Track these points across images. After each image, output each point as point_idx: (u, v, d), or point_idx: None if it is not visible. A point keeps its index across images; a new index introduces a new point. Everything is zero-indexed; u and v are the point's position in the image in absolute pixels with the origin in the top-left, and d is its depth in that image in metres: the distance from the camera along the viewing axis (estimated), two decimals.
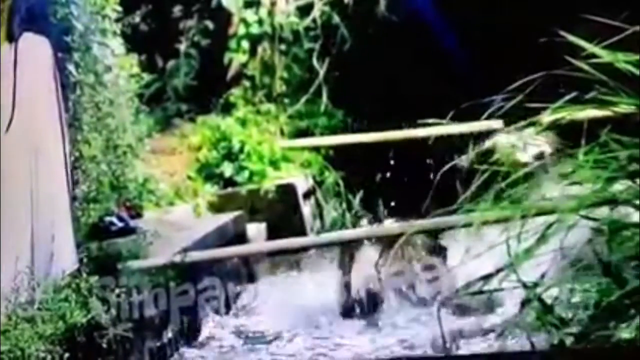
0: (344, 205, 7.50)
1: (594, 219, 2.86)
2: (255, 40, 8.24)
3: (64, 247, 4.43)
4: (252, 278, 6.29)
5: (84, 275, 4.35)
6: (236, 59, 8.25)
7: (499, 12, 7.18)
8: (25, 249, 4.35)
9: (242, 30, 8.23)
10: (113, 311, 4.33)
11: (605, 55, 2.77)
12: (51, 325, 3.98)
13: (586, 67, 2.85)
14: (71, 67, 5.42)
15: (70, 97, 5.21)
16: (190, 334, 5.14)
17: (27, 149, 4.42)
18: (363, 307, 5.46)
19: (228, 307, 5.67)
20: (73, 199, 4.57)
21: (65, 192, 4.48)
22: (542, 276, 2.94)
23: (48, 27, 4.71)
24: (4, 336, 3.90)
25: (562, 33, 2.85)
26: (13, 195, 4.41)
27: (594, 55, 2.84)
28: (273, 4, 8.18)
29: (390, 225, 5.43)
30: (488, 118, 3.29)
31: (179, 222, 6.11)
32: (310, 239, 6.64)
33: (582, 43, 2.83)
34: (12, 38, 4.50)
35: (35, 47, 4.53)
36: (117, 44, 6.57)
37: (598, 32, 2.91)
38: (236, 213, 6.61)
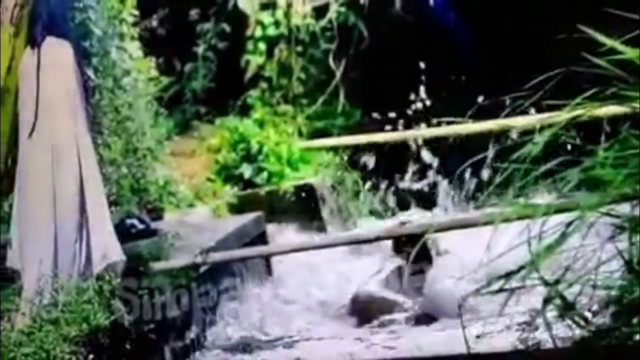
0: (365, 204, 7.52)
1: (616, 216, 2.86)
2: (272, 42, 8.26)
3: (107, 239, 4.47)
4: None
5: (107, 277, 4.38)
6: (253, 61, 8.28)
7: (515, 10, 7.16)
8: (49, 251, 4.39)
9: (258, 32, 8.26)
10: (136, 313, 4.37)
11: (628, 52, 2.76)
12: (75, 327, 4.02)
13: (605, 64, 2.84)
14: (90, 72, 5.46)
15: (89, 101, 5.26)
16: None
17: (50, 152, 4.47)
18: None
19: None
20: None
21: (100, 186, 4.53)
22: (564, 273, 2.93)
23: (69, 31, 4.76)
24: (29, 338, 3.95)
25: (583, 28, 2.83)
26: (36, 198, 4.46)
27: (612, 51, 2.84)
28: (289, 6, 8.20)
29: (410, 224, 5.42)
30: (507, 116, 3.29)
31: (199, 224, 6.14)
32: (330, 237, 6.66)
33: (602, 38, 2.82)
34: (34, 43, 4.56)
35: (58, 51, 4.57)
36: (134, 48, 6.61)
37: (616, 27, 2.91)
38: (256, 214, 6.63)
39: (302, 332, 5.23)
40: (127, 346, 4.24)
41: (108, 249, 4.44)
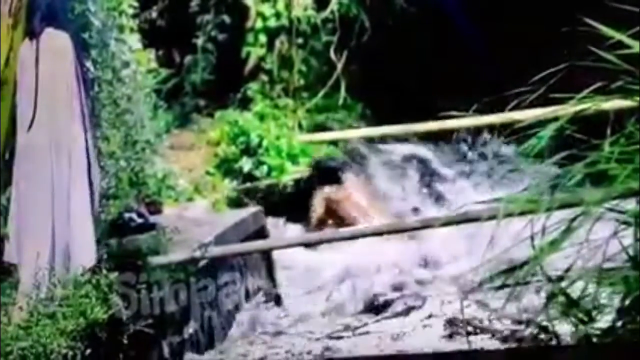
0: None
1: (620, 212, 2.82)
2: (272, 34, 8.22)
3: (83, 243, 4.43)
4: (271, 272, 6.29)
5: (104, 271, 4.34)
6: (254, 53, 8.24)
7: (520, 2, 7.11)
8: (46, 245, 4.36)
9: (259, 23, 8.22)
10: (133, 307, 4.33)
11: (635, 46, 2.72)
12: (72, 322, 3.98)
13: (611, 58, 2.80)
14: (89, 64, 5.41)
15: (88, 93, 5.21)
16: None
17: (49, 145, 4.42)
18: None
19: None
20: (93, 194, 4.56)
21: (86, 188, 4.48)
22: (568, 270, 2.90)
23: (68, 22, 4.71)
24: (26, 332, 3.92)
25: (589, 21, 2.79)
26: (34, 192, 4.42)
27: (619, 44, 2.79)
28: None
29: (415, 218, 5.40)
30: (512, 109, 3.25)
31: (198, 218, 6.10)
32: (331, 232, 6.63)
33: (610, 32, 2.78)
34: (33, 34, 4.51)
35: (57, 43, 4.52)
36: (134, 40, 6.57)
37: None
38: (255, 208, 6.59)
39: None
40: (125, 341, 4.20)
41: (89, 257, 4.39)
